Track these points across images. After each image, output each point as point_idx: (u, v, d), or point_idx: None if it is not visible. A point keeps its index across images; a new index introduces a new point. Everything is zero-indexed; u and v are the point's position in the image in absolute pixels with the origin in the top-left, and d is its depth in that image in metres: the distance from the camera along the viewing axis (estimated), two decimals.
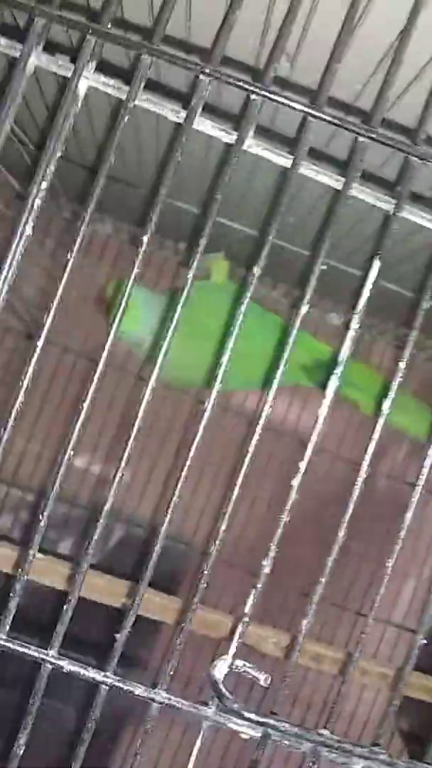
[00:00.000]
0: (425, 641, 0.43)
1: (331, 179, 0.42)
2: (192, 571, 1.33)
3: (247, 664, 0.43)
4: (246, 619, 0.41)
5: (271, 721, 0.39)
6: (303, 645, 0.43)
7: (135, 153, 0.88)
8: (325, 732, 0.40)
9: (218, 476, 1.29)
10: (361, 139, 0.40)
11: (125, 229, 1.32)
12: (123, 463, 0.41)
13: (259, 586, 0.42)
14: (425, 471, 0.43)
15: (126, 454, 0.41)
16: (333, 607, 1.30)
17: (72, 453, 0.40)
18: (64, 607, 0.40)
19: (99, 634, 0.96)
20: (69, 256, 0.39)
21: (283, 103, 0.40)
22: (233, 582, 1.30)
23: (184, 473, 0.41)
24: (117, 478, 0.41)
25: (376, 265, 0.41)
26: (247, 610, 0.41)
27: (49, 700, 0.41)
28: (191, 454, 0.41)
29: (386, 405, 0.42)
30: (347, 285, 0.89)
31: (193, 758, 0.41)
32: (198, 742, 0.41)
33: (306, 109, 0.40)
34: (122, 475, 0.41)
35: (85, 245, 0.41)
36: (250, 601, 0.41)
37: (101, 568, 0.94)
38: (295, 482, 0.42)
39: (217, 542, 0.42)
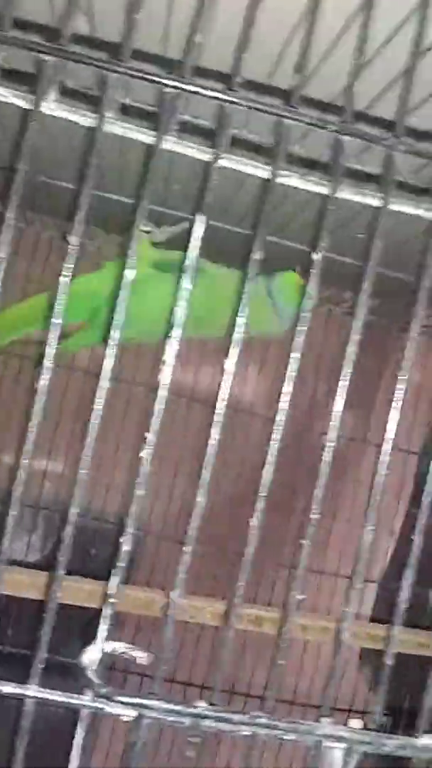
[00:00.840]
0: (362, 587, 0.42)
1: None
2: (145, 555, 1.32)
3: (127, 646, 0.42)
4: (113, 600, 0.40)
5: (144, 701, 0.38)
6: (241, 609, 0.42)
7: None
8: (202, 704, 0.39)
9: (160, 457, 1.28)
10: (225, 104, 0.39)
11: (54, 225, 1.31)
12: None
13: (185, 558, 0.41)
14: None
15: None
16: (268, 567, 1.30)
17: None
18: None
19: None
20: None
21: (194, 91, 0.38)
22: (164, 556, 1.29)
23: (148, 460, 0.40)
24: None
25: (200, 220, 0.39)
26: (111, 589, 0.40)
27: None
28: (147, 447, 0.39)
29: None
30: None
31: (75, 748, 0.40)
32: (79, 730, 0.40)
33: (221, 95, 0.39)
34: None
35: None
36: (114, 581, 0.40)
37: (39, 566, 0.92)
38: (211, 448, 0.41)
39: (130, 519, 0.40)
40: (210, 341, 1.29)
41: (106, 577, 0.39)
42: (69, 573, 0.41)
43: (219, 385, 0.41)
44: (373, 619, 1.38)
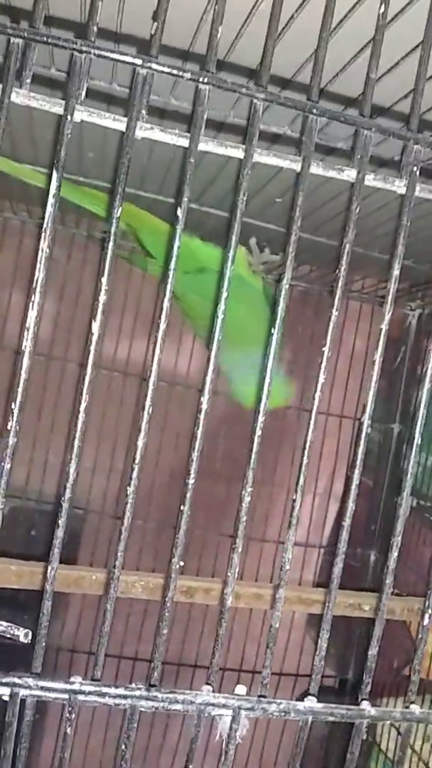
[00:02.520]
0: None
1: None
2: (87, 533, 1.31)
3: (3, 624, 0.41)
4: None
5: (16, 680, 0.37)
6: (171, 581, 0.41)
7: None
8: (78, 679, 0.38)
9: (97, 434, 1.27)
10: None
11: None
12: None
13: (123, 534, 0.40)
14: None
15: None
16: (211, 537, 1.30)
17: None
18: None
19: None
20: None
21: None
22: (107, 534, 1.29)
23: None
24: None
25: None
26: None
27: None
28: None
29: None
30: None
31: None
32: None
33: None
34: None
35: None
36: None
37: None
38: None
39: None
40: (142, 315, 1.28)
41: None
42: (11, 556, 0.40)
43: (152, 358, 0.40)
44: (319, 584, 1.39)
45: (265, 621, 1.31)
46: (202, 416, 0.41)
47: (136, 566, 1.22)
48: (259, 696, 0.41)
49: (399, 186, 0.44)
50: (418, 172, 0.43)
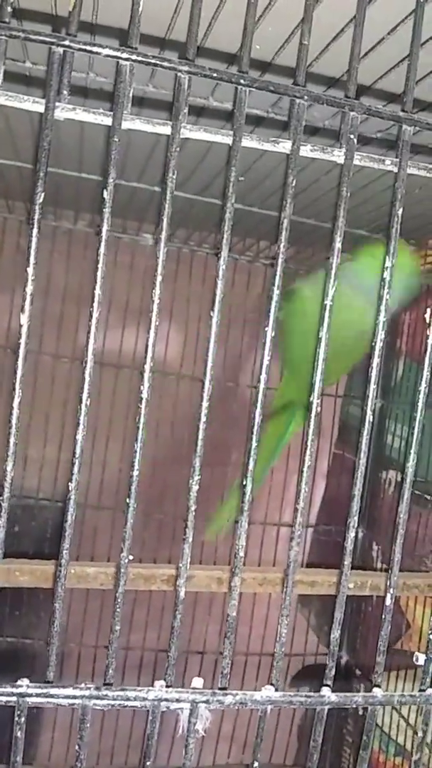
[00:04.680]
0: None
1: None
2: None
3: None
4: None
5: None
6: (132, 569, 0.40)
7: None
8: (24, 682, 0.37)
9: (74, 426, 1.25)
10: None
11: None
12: None
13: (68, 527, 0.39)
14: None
15: None
16: (156, 523, 1.28)
17: None
18: None
19: None
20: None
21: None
22: (105, 526, 1.27)
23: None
24: None
25: None
26: None
27: None
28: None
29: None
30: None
31: None
32: None
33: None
34: None
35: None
36: None
37: None
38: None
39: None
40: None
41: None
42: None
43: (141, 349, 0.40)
44: (310, 564, 1.38)
45: (270, 605, 1.31)
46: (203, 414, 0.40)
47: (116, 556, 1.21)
48: (220, 688, 0.40)
49: (338, 155, 0.43)
50: (355, 140, 0.42)
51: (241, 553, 0.41)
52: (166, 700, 0.38)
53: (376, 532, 1.27)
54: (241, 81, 0.39)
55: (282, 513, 1.40)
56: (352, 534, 0.41)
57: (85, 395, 0.39)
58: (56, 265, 1.24)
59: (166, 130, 0.40)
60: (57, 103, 0.38)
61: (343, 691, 0.40)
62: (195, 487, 0.40)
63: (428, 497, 1.10)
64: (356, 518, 0.42)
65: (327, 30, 0.54)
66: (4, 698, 0.37)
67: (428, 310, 0.42)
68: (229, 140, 0.41)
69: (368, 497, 1.30)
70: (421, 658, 0.42)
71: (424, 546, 1.11)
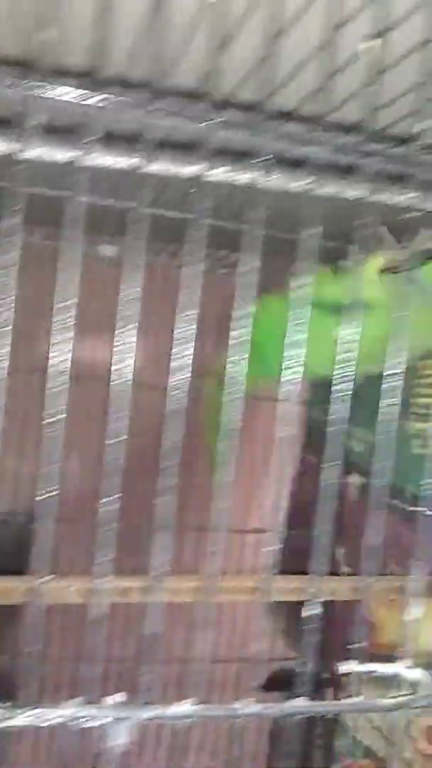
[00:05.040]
0: None
1: None
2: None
3: None
4: None
5: None
6: (108, 583, 0.40)
7: None
8: None
9: (36, 438, 1.25)
10: None
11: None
12: None
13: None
14: None
15: None
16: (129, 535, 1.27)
17: None
18: None
19: None
20: None
21: None
22: (77, 539, 1.27)
23: None
24: None
25: None
26: None
27: None
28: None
29: None
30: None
31: None
32: None
33: None
34: None
35: None
36: None
37: None
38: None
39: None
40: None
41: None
42: None
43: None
44: (278, 570, 1.38)
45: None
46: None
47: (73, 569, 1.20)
48: (146, 703, 0.40)
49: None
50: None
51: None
52: (82, 717, 0.38)
53: (341, 535, 1.28)
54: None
55: (247, 519, 1.40)
56: (321, 540, 0.42)
57: (50, 409, 0.40)
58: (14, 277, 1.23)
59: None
60: None
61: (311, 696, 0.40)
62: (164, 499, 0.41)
63: (396, 502, 1.11)
64: (325, 526, 0.43)
65: None
66: None
67: None
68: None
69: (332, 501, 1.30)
70: (378, 669, 0.43)
71: (387, 550, 1.11)
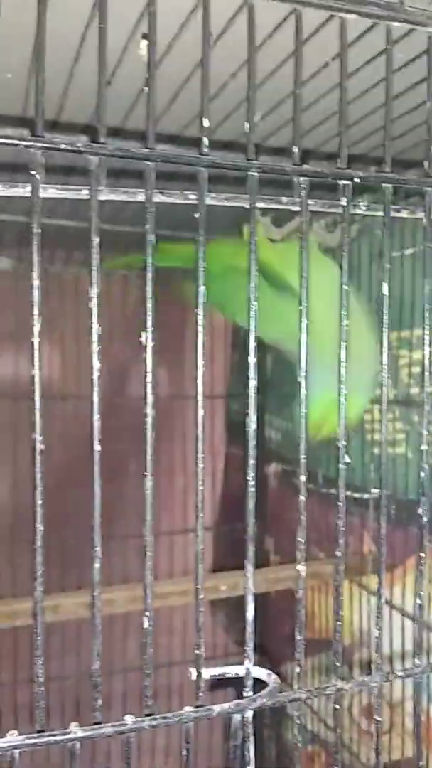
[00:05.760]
0: None
1: None
2: None
3: None
4: None
5: None
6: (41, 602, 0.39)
7: None
8: None
9: None
10: None
11: None
12: None
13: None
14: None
15: None
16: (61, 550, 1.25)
17: None
18: None
19: None
20: None
21: None
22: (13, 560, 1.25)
23: None
24: None
25: None
26: None
27: None
28: None
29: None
30: None
31: None
32: None
33: None
34: None
35: None
36: None
37: None
38: None
39: None
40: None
41: None
42: None
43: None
44: (216, 567, 1.40)
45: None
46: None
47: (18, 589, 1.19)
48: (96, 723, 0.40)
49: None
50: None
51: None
52: (21, 746, 0.38)
53: (267, 524, 1.30)
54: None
55: (187, 519, 1.40)
56: (251, 533, 0.42)
57: None
58: None
59: None
60: None
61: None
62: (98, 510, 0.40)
63: (311, 486, 1.14)
64: (252, 520, 0.43)
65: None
66: None
67: None
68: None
69: (258, 492, 1.32)
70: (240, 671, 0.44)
71: (309, 534, 1.14)
